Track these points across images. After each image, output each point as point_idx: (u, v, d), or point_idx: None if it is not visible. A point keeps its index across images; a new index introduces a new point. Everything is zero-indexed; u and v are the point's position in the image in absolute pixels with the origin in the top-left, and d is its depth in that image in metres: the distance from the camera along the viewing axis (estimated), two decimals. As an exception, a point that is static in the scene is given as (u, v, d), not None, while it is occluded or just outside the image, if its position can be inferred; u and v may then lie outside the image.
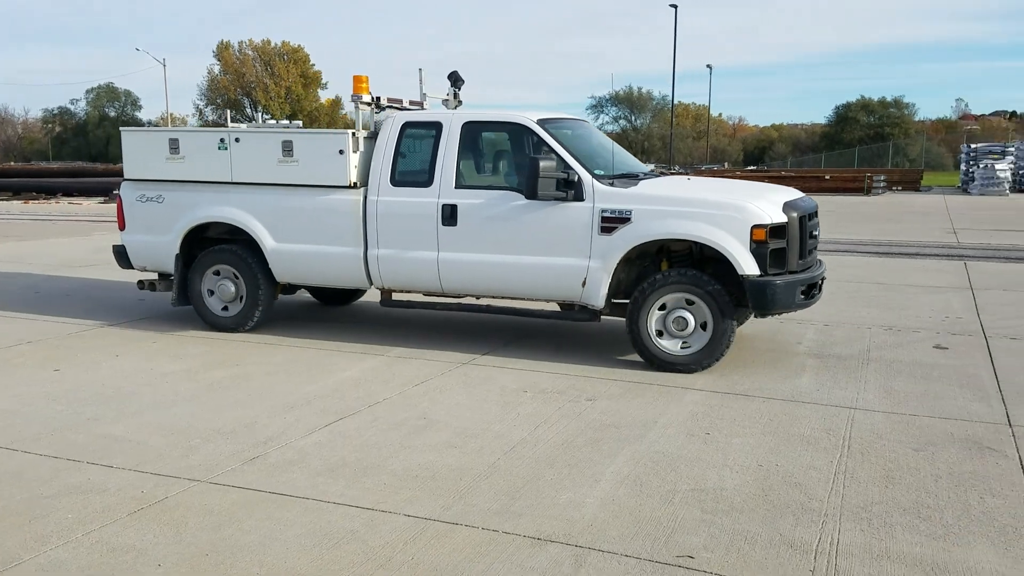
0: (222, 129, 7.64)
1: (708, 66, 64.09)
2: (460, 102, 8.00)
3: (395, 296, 7.44)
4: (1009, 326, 7.93)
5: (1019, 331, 7.72)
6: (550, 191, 6.35)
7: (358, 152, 7.12)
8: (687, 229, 6.20)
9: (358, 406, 5.57)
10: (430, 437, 4.96)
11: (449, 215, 6.77)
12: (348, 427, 5.15)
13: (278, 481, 4.29)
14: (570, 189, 6.40)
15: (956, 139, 62.91)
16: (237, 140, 7.43)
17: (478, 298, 7.27)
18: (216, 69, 70.38)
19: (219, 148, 7.47)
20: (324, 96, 72.92)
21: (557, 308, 7.15)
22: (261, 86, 67.90)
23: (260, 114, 67.40)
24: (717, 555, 3.48)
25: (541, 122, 6.81)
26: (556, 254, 6.54)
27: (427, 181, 6.90)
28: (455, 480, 4.29)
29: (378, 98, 7.41)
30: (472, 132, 7.05)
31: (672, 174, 7.96)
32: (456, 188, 6.81)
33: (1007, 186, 32.56)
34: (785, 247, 6.17)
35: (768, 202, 6.29)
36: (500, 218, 6.67)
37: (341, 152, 7.04)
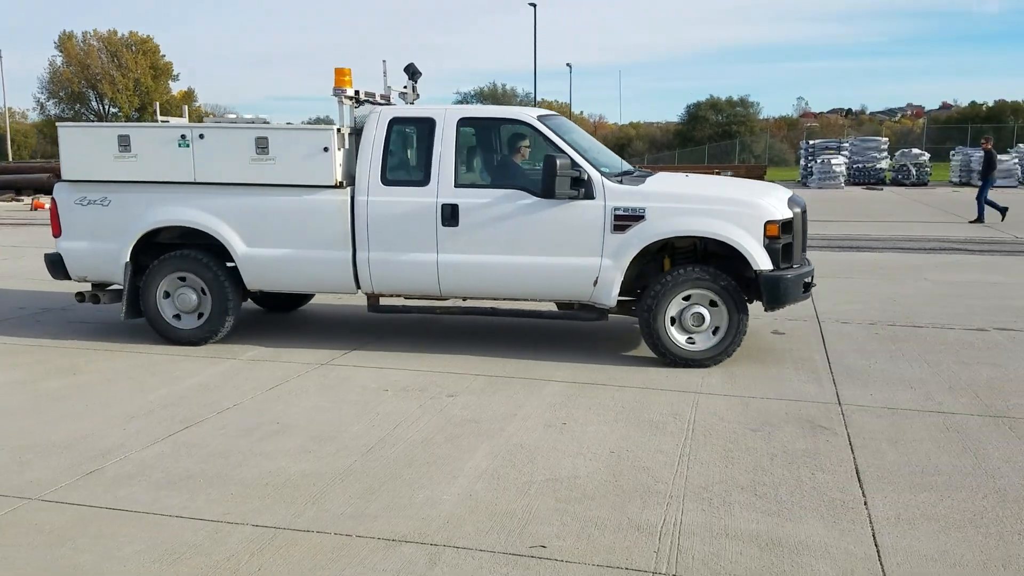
0: (183, 125, 7.08)
1: (568, 64, 65.53)
2: (418, 95, 7.70)
3: (383, 301, 7.05)
4: (840, 311, 8.52)
5: (849, 316, 8.32)
6: (565, 189, 6.24)
7: (342, 150, 6.72)
8: (703, 226, 6.23)
9: (206, 413, 5.34)
10: (283, 442, 4.82)
11: (450, 215, 6.49)
12: (194, 436, 4.92)
13: (116, 496, 4.05)
14: (581, 187, 6.30)
15: (797, 136, 66.95)
16: (201, 136, 6.84)
17: (464, 300, 6.99)
18: (58, 61, 65.67)
19: (179, 145, 6.85)
20: (176, 88, 69.44)
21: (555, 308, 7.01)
22: (108, 78, 63.84)
23: (107, 107, 63.50)
24: (568, 543, 3.56)
25: (541, 118, 6.68)
26: (567, 254, 6.42)
27: (423, 180, 6.60)
28: (308, 486, 4.19)
29: (358, 92, 7.02)
30: (468, 129, 6.82)
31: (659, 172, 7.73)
32: (456, 187, 6.54)
33: (842, 180, 35.02)
34: (792, 242, 6.33)
35: (775, 198, 6.42)
36: (506, 218, 6.46)
37: (326, 149, 6.62)
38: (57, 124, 7.35)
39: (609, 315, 6.73)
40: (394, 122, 6.78)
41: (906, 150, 36.92)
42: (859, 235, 15.84)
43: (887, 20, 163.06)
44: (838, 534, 3.61)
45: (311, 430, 5.02)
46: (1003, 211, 18.03)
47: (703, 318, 6.36)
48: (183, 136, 6.84)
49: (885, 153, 36.70)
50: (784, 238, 6.27)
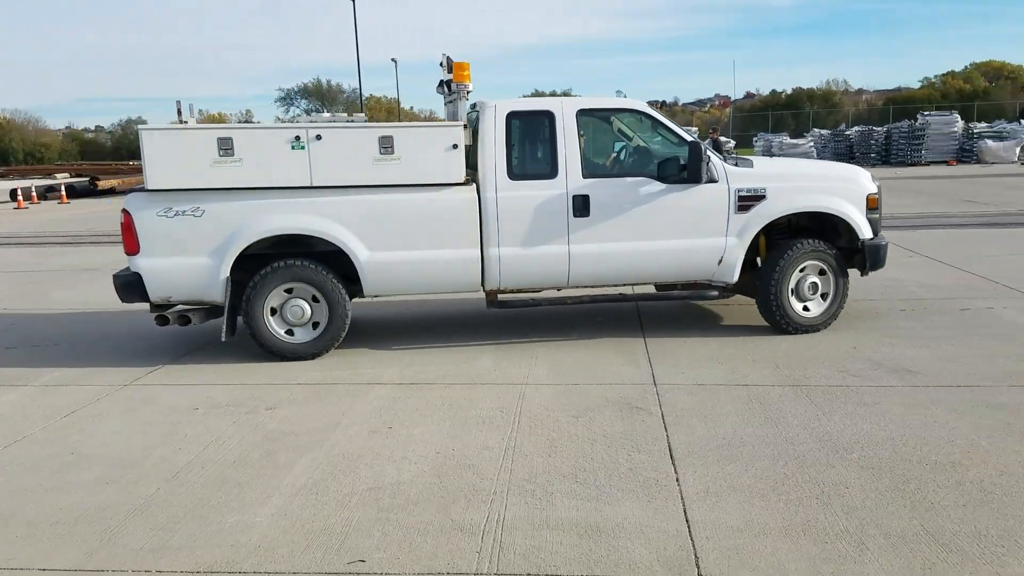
0: (296, 125, 6.47)
1: (393, 59, 64.89)
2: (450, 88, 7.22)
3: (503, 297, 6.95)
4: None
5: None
6: (706, 174, 6.54)
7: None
8: (820, 203, 6.81)
9: (-14, 450, 4.78)
10: (78, 474, 4.39)
11: (581, 206, 6.57)
12: (-29, 477, 4.39)
13: None
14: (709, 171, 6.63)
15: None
16: (318, 137, 6.32)
17: (558, 289, 7.02)
18: None
19: (293, 148, 6.31)
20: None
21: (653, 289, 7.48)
22: None
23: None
24: (389, 554, 3.44)
25: (650, 105, 6.94)
26: (695, 235, 6.73)
27: (551, 173, 6.61)
28: (104, 520, 3.83)
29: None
30: (586, 120, 6.82)
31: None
32: (584, 178, 6.61)
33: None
34: (880, 213, 7.06)
35: (864, 175, 7.14)
36: (636, 205, 6.65)
37: (455, 146, 6.44)
38: (139, 128, 6.31)
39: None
40: (511, 116, 6.67)
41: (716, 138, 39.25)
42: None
43: (694, 15, 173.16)
44: (652, 513, 3.71)
45: (110, 458, 4.61)
46: None
47: (817, 287, 6.93)
48: (297, 137, 6.31)
49: (697, 141, 38.80)
50: (878, 210, 7.02)
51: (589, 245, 6.65)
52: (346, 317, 6.65)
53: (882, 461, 4.18)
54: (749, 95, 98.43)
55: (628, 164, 6.98)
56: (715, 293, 7.10)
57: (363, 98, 53.08)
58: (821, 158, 38.04)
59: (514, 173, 6.61)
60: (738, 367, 6.03)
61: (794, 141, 38.73)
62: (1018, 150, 34.10)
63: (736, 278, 6.88)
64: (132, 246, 6.37)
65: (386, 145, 6.38)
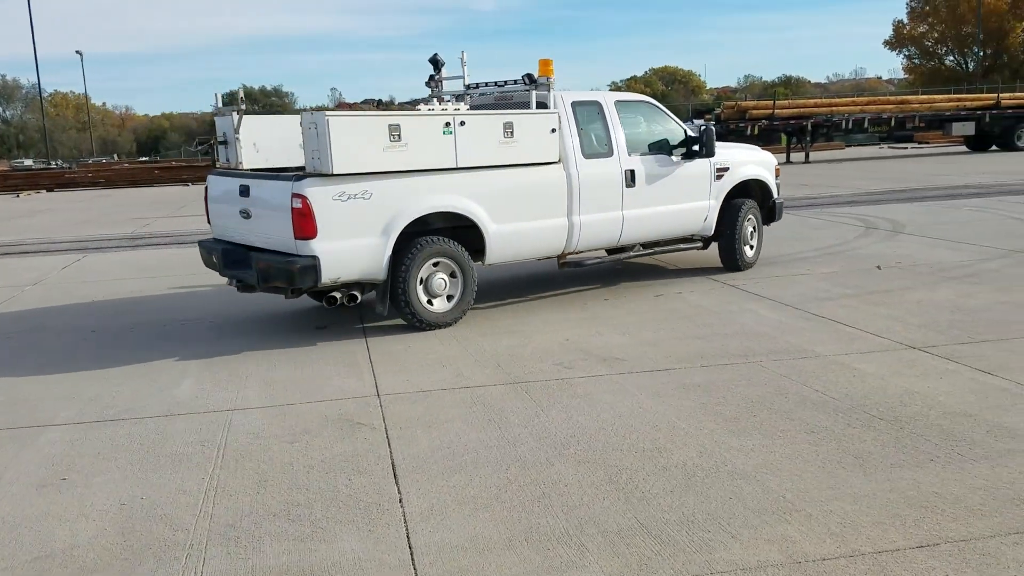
0: (445, 112, 7.12)
1: (78, 52, 58.39)
2: (441, 84, 8.17)
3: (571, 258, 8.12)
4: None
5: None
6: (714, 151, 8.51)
7: None
8: (758, 173, 9.24)
9: None
10: None
11: (631, 178, 8.06)
12: None
13: None
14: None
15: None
16: (462, 123, 6.98)
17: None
18: None
19: (444, 132, 6.91)
20: None
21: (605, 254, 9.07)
22: None
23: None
24: (53, 644, 2.83)
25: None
26: (694, 199, 8.64)
27: (608, 152, 8.00)
28: None
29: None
30: (620, 109, 8.25)
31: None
32: (629, 156, 8.10)
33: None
34: (779, 181, 9.70)
35: (771, 155, 9.69)
36: (662, 176, 8.32)
37: (553, 131, 7.51)
38: (327, 114, 6.38)
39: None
40: (575, 105, 7.92)
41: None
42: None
43: (408, 15, 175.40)
44: (372, 544, 3.43)
45: None
46: None
47: (754, 231, 9.24)
48: (447, 124, 6.91)
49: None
50: (778, 179, 9.63)
51: (635, 210, 8.15)
52: (475, 288, 7.33)
53: (596, 453, 4.26)
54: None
55: (651, 144, 8.41)
56: (700, 244, 9.01)
57: (43, 94, 47.06)
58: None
59: (585, 152, 7.85)
60: (462, 369, 5.94)
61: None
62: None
63: (713, 231, 8.89)
64: (310, 230, 6.40)
65: (508, 130, 7.26)
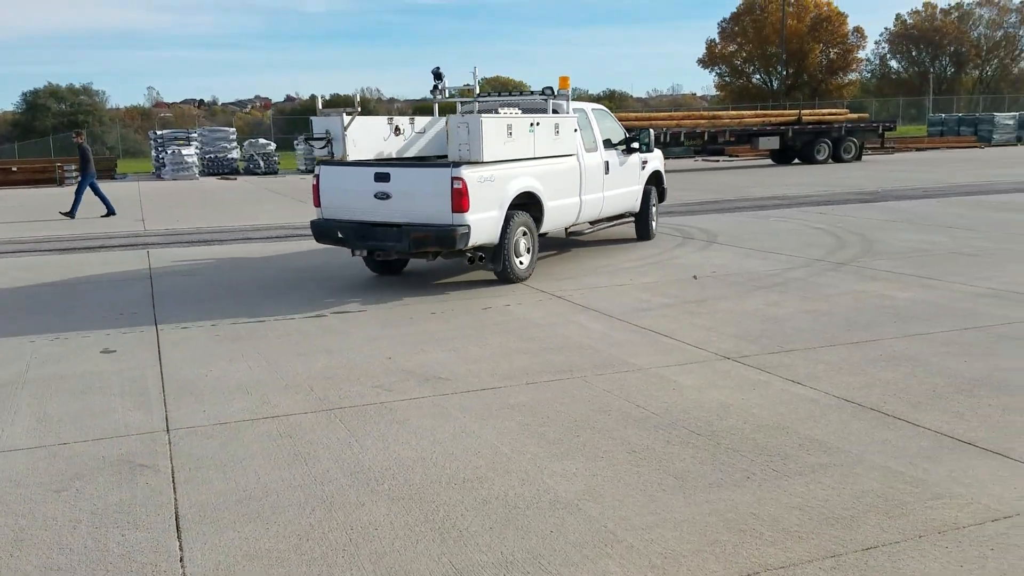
0: (529, 116, 9.21)
1: None
2: (444, 94, 10.44)
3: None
4: (178, 315, 7.88)
5: (188, 317, 7.73)
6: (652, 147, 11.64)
7: None
8: (659, 165, 12.17)
9: None
10: None
11: (607, 168, 10.63)
12: None
13: None
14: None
15: (151, 126, 64.50)
16: (537, 124, 9.21)
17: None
18: None
19: (529, 131, 9.09)
20: None
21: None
22: None
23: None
24: None
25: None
26: (633, 184, 11.44)
27: (595, 147, 10.54)
28: None
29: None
30: (595, 114, 10.92)
31: None
32: (605, 150, 10.72)
33: (196, 170, 34.54)
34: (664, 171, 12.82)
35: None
36: (619, 166, 10.95)
37: (576, 130, 10.07)
38: (481, 116, 8.47)
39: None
40: (575, 111, 10.22)
41: (254, 140, 38.13)
42: (212, 227, 15.46)
43: (229, 14, 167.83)
44: (144, 618, 2.93)
45: None
46: (109, 210, 17.34)
47: (655, 209, 12.19)
48: (531, 124, 9.12)
49: (235, 143, 37.36)
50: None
51: (609, 191, 10.68)
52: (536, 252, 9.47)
53: (413, 488, 3.94)
54: (290, 98, 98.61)
55: (611, 141, 11.00)
56: (631, 219, 11.79)
57: None
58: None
59: (586, 147, 10.30)
60: (269, 395, 5.44)
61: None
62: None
63: (639, 209, 11.75)
64: (466, 205, 8.23)
65: (556, 129, 9.59)
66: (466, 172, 8.25)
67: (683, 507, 3.66)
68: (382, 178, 8.56)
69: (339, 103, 76.38)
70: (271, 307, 8.16)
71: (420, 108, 76.15)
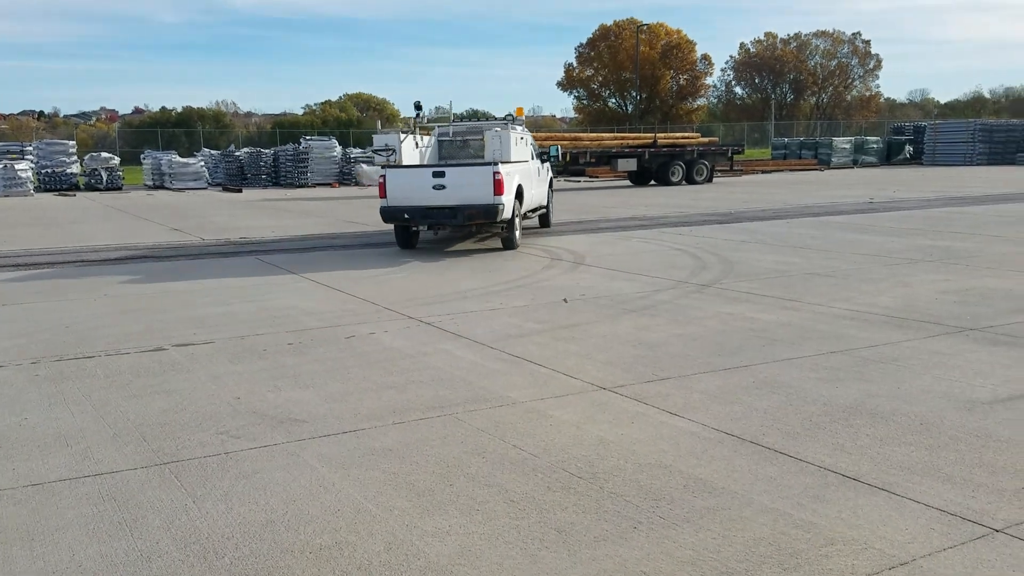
0: (525, 131, 15.51)
1: None
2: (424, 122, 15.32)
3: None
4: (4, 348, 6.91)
5: (7, 356, 6.78)
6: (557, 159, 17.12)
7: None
8: (551, 174, 16.69)
9: None
10: None
11: (537, 171, 15.33)
12: None
13: None
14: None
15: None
16: (523, 138, 14.85)
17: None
18: None
19: (522, 141, 14.70)
20: None
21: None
22: None
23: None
24: None
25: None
26: (545, 185, 16.07)
27: (534, 157, 15.40)
28: None
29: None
30: (526, 136, 15.52)
31: None
32: (535, 160, 15.63)
33: (31, 186, 31.83)
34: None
35: None
36: (540, 170, 15.71)
37: (530, 144, 15.50)
38: (510, 129, 14.12)
39: None
40: (524, 132, 15.51)
41: (95, 154, 35.58)
42: (37, 249, 14.02)
43: (71, 22, 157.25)
44: None
45: None
46: None
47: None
48: (521, 138, 14.70)
49: (75, 157, 34.77)
50: None
51: (536, 189, 14.90)
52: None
53: (258, 561, 3.40)
54: (138, 110, 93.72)
55: (537, 153, 15.55)
56: (544, 212, 16.10)
57: None
58: (213, 178, 37.48)
59: (532, 156, 15.05)
60: (93, 447, 4.71)
61: (184, 160, 37.21)
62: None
63: (547, 204, 16.15)
64: (501, 191, 12.50)
65: (526, 143, 14.63)
66: (502, 168, 12.64)
67: (568, 567, 3.31)
68: (439, 175, 12.69)
69: (194, 116, 73.11)
70: (103, 340, 7.30)
71: (279, 123, 73.71)
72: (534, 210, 15.12)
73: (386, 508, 3.88)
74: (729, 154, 34.71)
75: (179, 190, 34.58)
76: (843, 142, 48.14)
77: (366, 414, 5.28)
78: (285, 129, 63.40)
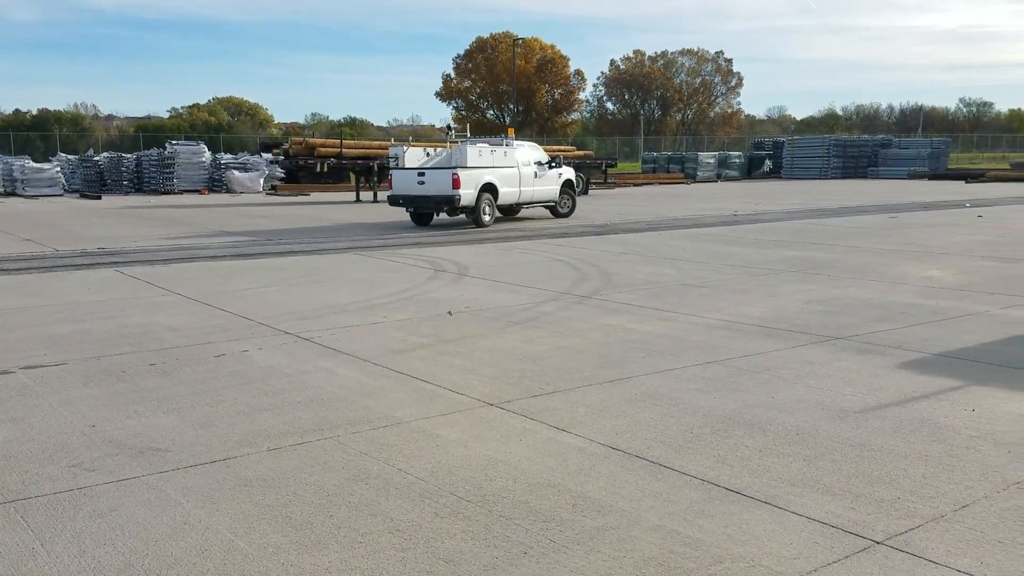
0: (494, 145, 19.87)
1: None
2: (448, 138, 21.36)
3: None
4: None
5: None
6: (559, 166, 21.58)
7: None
8: (569, 176, 21.62)
9: None
10: None
11: (535, 175, 20.55)
12: None
13: None
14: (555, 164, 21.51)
15: None
16: (492, 151, 19.55)
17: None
18: None
19: (491, 153, 19.61)
20: None
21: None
22: None
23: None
24: None
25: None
26: (552, 185, 21.02)
27: (529, 163, 20.52)
28: None
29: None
30: (527, 145, 21.59)
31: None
32: (535, 165, 20.75)
33: None
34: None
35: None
36: (543, 174, 20.75)
37: (516, 154, 20.65)
38: (467, 143, 19.43)
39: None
40: (517, 145, 20.87)
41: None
42: None
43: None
44: None
45: None
46: None
47: (572, 199, 22.14)
48: (492, 150, 19.58)
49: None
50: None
51: (535, 188, 20.45)
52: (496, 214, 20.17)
53: (119, 612, 3.07)
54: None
55: (540, 161, 20.80)
56: (553, 204, 21.07)
57: None
58: (70, 184, 35.25)
59: (522, 163, 20.11)
60: (-80, 488, 4.18)
61: (39, 165, 34.75)
62: (262, 181, 37.08)
63: (558, 198, 21.16)
64: (457, 186, 18.10)
65: (505, 153, 19.77)
66: (459, 171, 18.11)
67: (458, 599, 3.17)
68: (421, 175, 18.66)
69: (51, 119, 68.39)
70: (-65, 365, 6.58)
71: (143, 126, 70.02)
72: (532, 203, 20.55)
73: (259, 546, 3.62)
74: (604, 167, 35.61)
75: (32, 197, 32.29)
76: (708, 156, 50.36)
77: (237, 440, 4.95)
78: (149, 133, 60.37)
